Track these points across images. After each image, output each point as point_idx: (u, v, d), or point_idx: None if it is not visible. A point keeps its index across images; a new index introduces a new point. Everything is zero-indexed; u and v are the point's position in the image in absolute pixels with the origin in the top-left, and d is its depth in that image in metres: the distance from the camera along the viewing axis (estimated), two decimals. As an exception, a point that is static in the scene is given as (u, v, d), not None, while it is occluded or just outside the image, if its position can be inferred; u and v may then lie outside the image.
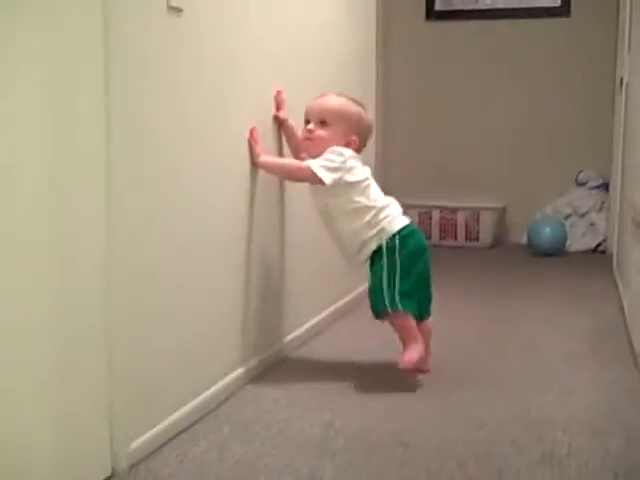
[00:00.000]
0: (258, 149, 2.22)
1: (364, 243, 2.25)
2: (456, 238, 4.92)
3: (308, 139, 2.27)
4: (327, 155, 2.21)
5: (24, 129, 1.35)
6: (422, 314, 2.31)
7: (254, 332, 2.28)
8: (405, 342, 2.24)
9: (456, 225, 4.92)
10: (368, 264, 2.31)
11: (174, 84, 1.80)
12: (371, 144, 3.44)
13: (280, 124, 2.40)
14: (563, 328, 2.93)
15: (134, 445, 1.69)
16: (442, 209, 4.93)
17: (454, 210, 4.92)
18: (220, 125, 2.03)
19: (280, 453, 1.77)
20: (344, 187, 2.21)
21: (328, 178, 2.18)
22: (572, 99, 4.90)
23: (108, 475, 1.62)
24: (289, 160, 2.38)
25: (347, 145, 2.26)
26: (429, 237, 4.92)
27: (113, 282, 1.60)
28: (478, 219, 4.89)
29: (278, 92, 2.37)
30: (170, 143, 1.80)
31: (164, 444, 1.79)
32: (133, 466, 1.67)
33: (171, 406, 1.85)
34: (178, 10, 1.79)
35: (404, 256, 2.23)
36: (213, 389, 2.03)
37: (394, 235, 2.24)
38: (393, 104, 5.06)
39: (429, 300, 2.35)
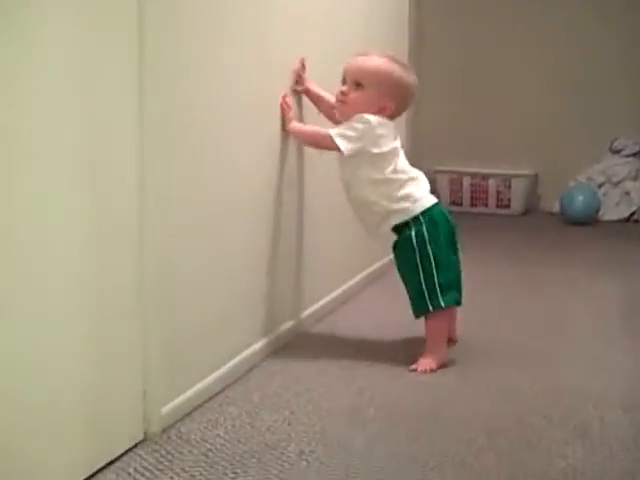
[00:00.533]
0: (290, 114, 2.17)
1: (385, 216, 2.13)
2: (487, 205, 4.87)
3: (341, 101, 2.16)
4: (351, 122, 2.10)
5: (54, 105, 1.35)
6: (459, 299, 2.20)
7: (277, 302, 2.27)
8: (431, 345, 2.13)
9: (487, 192, 4.86)
10: (392, 247, 2.19)
11: (211, 35, 1.80)
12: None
13: (304, 94, 2.30)
14: (595, 298, 2.90)
15: (166, 409, 1.70)
16: (473, 175, 4.88)
17: (485, 176, 4.86)
18: (252, 86, 2.02)
19: (310, 421, 1.77)
20: (366, 158, 2.10)
21: (346, 148, 2.08)
22: (607, 63, 4.80)
23: (141, 439, 1.64)
24: (316, 128, 2.25)
25: (381, 110, 2.12)
26: (460, 203, 4.89)
27: (145, 250, 1.60)
28: (510, 186, 4.83)
29: (297, 63, 2.26)
30: (203, 103, 1.79)
31: (195, 409, 1.80)
32: (165, 430, 1.69)
33: (201, 372, 1.86)
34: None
35: (437, 246, 2.11)
36: (241, 356, 2.03)
37: (419, 217, 2.11)
38: (425, 69, 4.96)
39: (461, 278, 2.23)
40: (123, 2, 1.50)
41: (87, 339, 1.46)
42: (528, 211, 4.88)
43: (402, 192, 2.12)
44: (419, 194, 2.14)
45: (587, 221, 4.47)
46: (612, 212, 4.65)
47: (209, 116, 1.82)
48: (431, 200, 2.15)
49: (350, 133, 2.09)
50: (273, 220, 2.19)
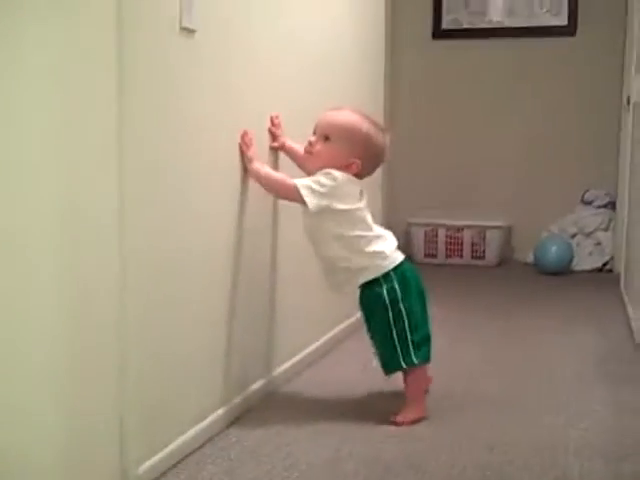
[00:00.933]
0: (250, 153, 2.06)
1: (354, 273, 2.08)
2: (462, 256, 4.91)
3: (307, 152, 2.12)
4: (318, 177, 2.04)
5: (37, 138, 1.35)
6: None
7: (250, 358, 2.26)
8: (409, 399, 2.12)
9: (462, 243, 4.91)
10: (359, 302, 2.13)
11: (184, 102, 1.80)
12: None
13: (280, 150, 2.29)
14: (572, 348, 2.91)
15: (143, 468, 1.67)
16: (448, 227, 4.92)
17: (460, 228, 4.91)
18: (220, 142, 2.03)
19: (291, 476, 1.75)
20: (332, 214, 2.04)
21: (313, 203, 2.01)
22: (578, 118, 4.90)
23: (116, 498, 1.61)
24: (279, 175, 2.15)
25: (347, 167, 2.07)
26: (435, 255, 4.92)
27: (124, 303, 1.59)
28: (484, 237, 4.88)
29: (272, 120, 2.24)
30: (175, 163, 1.79)
31: (172, 466, 1.77)
32: (141, 489, 1.66)
33: (178, 429, 1.83)
34: (190, 31, 1.79)
35: (409, 303, 2.08)
36: (218, 413, 2.01)
37: (390, 273, 2.07)
38: (399, 122, 5.06)
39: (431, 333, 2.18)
40: (103, 67, 1.51)
41: (60, 399, 1.43)
42: (503, 262, 4.92)
43: (371, 248, 2.07)
44: (388, 250, 2.10)
45: (561, 271, 4.52)
46: (585, 262, 4.70)
47: (181, 169, 1.82)
48: (400, 256, 2.12)
49: (316, 187, 2.02)
50: (245, 273, 2.14)
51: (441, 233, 4.93)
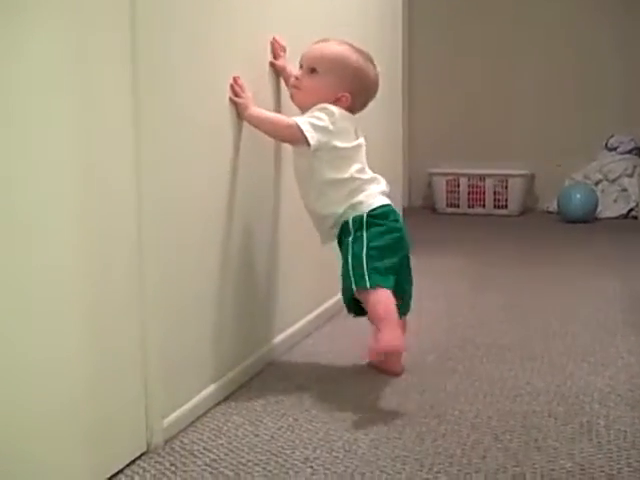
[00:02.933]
0: (242, 101, 1.92)
1: (338, 217, 1.98)
2: (484, 205, 4.87)
3: (294, 86, 2.02)
4: (316, 112, 1.94)
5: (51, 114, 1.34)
6: (401, 307, 1.94)
7: (265, 318, 2.27)
8: (379, 323, 1.85)
9: (484, 192, 4.87)
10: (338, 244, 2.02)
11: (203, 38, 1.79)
12: (397, 111, 3.41)
13: (279, 72, 2.15)
14: (596, 296, 2.89)
15: (168, 420, 1.68)
16: (470, 176, 4.88)
17: (482, 177, 4.86)
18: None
19: (314, 427, 1.76)
20: (329, 151, 1.94)
21: (313, 138, 1.91)
22: (602, 61, 4.80)
23: (143, 451, 1.62)
24: (277, 114, 2.06)
25: (337, 101, 1.97)
26: (457, 205, 4.88)
27: (144, 260, 1.59)
28: (506, 186, 4.83)
29: (275, 38, 2.13)
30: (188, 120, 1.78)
31: (198, 419, 1.79)
32: (168, 441, 1.67)
33: (203, 381, 1.84)
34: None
35: (373, 233, 1.93)
36: (242, 366, 2.02)
37: (364, 215, 1.95)
38: (418, 71, 4.99)
39: (409, 294, 2.05)
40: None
41: (85, 350, 1.44)
42: (525, 211, 4.88)
43: (357, 192, 1.97)
44: (371, 194, 1.98)
45: (585, 219, 4.47)
46: (610, 209, 4.65)
47: (200, 125, 1.81)
48: (381, 200, 1.98)
49: (317, 122, 1.92)
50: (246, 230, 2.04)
51: (463, 182, 4.89)
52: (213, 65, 1.85)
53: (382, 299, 1.88)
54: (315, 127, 1.92)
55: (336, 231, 2.00)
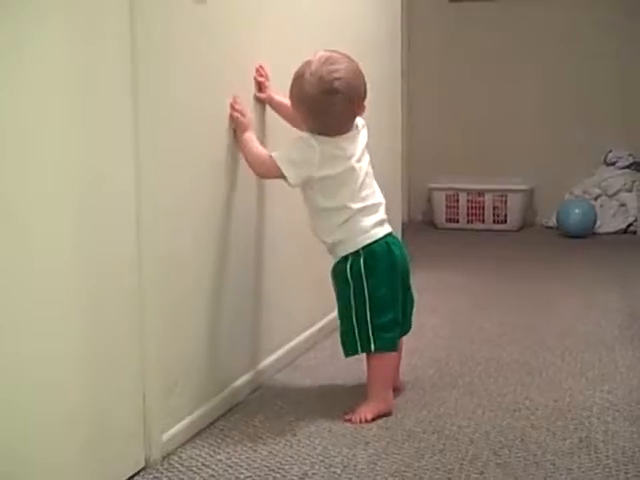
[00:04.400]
0: (245, 121, 1.89)
1: (333, 246, 1.91)
2: (483, 221, 4.87)
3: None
4: (293, 143, 1.86)
5: (54, 123, 1.35)
6: (402, 334, 1.98)
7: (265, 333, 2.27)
8: (370, 390, 1.90)
9: (484, 208, 4.86)
10: (331, 279, 1.95)
11: (198, 71, 1.79)
12: (396, 127, 3.43)
13: (267, 103, 2.07)
14: (595, 311, 2.88)
15: (167, 435, 1.69)
16: (469, 192, 4.88)
17: (481, 192, 4.86)
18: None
19: (312, 443, 1.76)
20: (318, 181, 1.85)
21: (293, 176, 1.83)
22: (601, 77, 4.82)
23: (142, 466, 1.62)
24: (259, 150, 1.92)
25: (309, 129, 1.86)
26: (457, 220, 4.88)
27: (144, 268, 1.60)
28: (506, 201, 4.83)
29: (257, 70, 2.03)
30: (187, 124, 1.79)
31: (197, 434, 1.79)
32: (166, 457, 1.67)
33: (202, 397, 1.84)
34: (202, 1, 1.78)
35: (375, 282, 1.86)
36: (241, 380, 2.02)
37: (360, 251, 1.87)
38: (418, 87, 5.01)
39: (410, 314, 2.01)
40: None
41: (85, 365, 1.44)
42: (525, 226, 4.88)
43: (349, 222, 1.87)
44: (370, 224, 1.89)
45: (584, 234, 4.47)
46: (609, 224, 4.65)
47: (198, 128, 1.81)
48: (382, 231, 1.90)
49: (295, 157, 1.84)
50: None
51: (462, 198, 4.89)
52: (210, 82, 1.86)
53: (384, 365, 1.90)
54: (292, 162, 1.83)
55: (333, 260, 1.93)
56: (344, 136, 1.88)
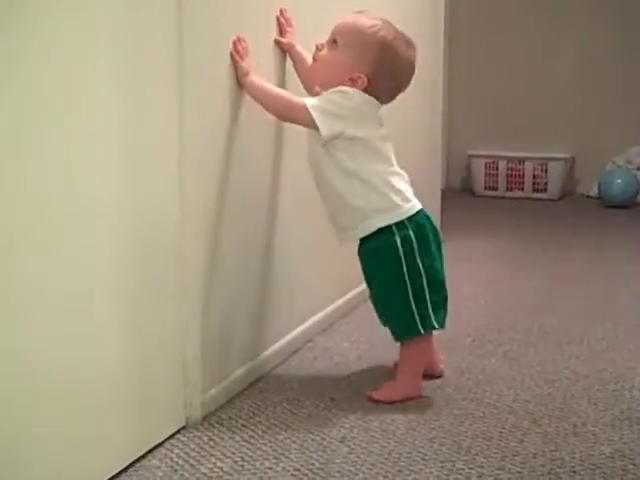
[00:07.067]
0: (245, 64, 1.70)
1: (364, 217, 1.74)
2: (523, 189, 4.82)
3: (313, 59, 1.80)
4: (331, 95, 1.70)
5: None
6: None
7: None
8: (403, 373, 1.80)
9: (523, 176, 4.81)
10: (360, 253, 1.79)
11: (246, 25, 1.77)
12: (437, 93, 3.38)
13: (286, 51, 1.92)
14: (637, 281, 2.85)
15: (207, 396, 1.70)
16: (509, 159, 4.82)
17: (521, 160, 4.81)
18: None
19: (351, 407, 1.76)
20: (348, 142, 1.71)
21: (326, 128, 1.68)
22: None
23: (182, 425, 1.64)
24: (284, 92, 1.80)
25: (352, 82, 1.72)
26: (496, 188, 4.84)
27: (186, 235, 1.60)
28: (546, 169, 4.77)
29: (281, 11, 1.89)
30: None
31: (236, 395, 1.80)
32: (206, 417, 1.69)
33: (242, 358, 1.85)
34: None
35: (427, 257, 1.74)
36: (282, 342, 2.03)
37: (405, 221, 1.73)
38: (458, 54, 4.93)
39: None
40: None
41: (127, 325, 1.46)
42: (565, 195, 4.82)
43: (390, 187, 1.74)
44: (409, 192, 1.77)
45: (626, 204, 4.40)
46: (651, 194, 4.57)
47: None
48: (418, 204, 1.78)
49: (331, 108, 1.69)
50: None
51: (502, 165, 4.84)
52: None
53: (423, 351, 1.82)
54: (328, 113, 1.69)
55: (365, 230, 1.75)
56: (383, 107, 1.80)
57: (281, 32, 1.91)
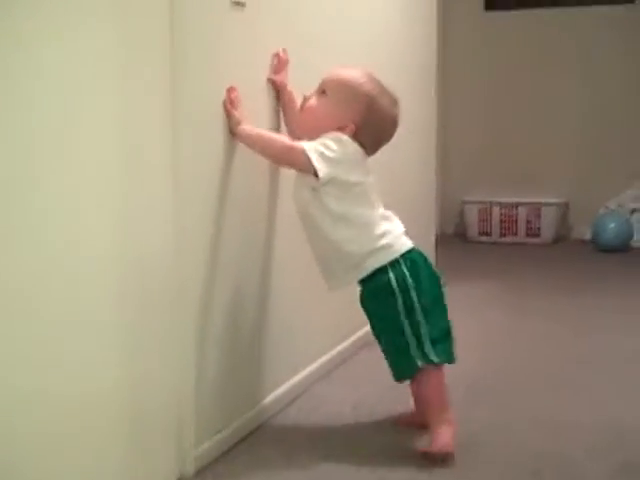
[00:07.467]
0: (237, 114, 1.72)
1: (359, 260, 1.74)
2: (517, 234, 4.83)
3: (300, 108, 1.84)
4: (326, 140, 1.73)
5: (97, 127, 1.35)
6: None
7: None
8: (435, 412, 1.74)
9: (517, 221, 4.82)
10: (360, 300, 1.81)
11: (238, 75, 1.78)
12: (431, 138, 3.40)
13: (277, 90, 1.93)
14: (633, 328, 2.83)
15: (201, 449, 1.67)
16: (502, 205, 4.84)
17: (515, 205, 4.82)
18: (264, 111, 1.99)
19: (348, 460, 1.73)
20: (337, 185, 1.73)
21: (323, 170, 1.69)
22: (636, 89, 4.76)
23: (175, 480, 1.61)
24: (279, 135, 1.85)
25: (339, 130, 1.75)
26: (489, 234, 4.84)
27: (180, 281, 1.58)
28: (540, 215, 4.78)
29: (279, 51, 1.91)
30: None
31: (232, 446, 1.77)
32: (200, 471, 1.65)
33: (240, 408, 1.83)
34: (241, 4, 1.77)
35: (422, 292, 1.74)
36: (277, 393, 2.00)
37: (399, 259, 1.75)
38: (452, 98, 4.97)
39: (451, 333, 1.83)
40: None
41: (120, 379, 1.43)
42: (559, 239, 4.82)
43: (380, 229, 1.75)
44: (397, 232, 1.79)
45: (620, 248, 4.41)
46: (645, 238, 4.58)
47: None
48: (409, 242, 1.79)
49: (327, 152, 1.71)
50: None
51: (495, 211, 4.85)
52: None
53: (440, 380, 1.76)
54: (324, 156, 1.71)
55: (361, 272, 1.76)
56: (368, 158, 1.83)
57: (276, 69, 1.93)
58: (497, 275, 3.76)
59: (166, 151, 1.55)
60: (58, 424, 1.28)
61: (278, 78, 1.92)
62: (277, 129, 1.95)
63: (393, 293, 1.73)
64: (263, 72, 1.90)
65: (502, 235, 4.85)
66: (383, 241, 1.75)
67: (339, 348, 2.40)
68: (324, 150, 1.71)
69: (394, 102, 1.83)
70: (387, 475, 1.65)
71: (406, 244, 1.78)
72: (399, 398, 1.98)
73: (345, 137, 1.75)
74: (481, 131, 5.06)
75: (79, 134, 1.32)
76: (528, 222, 4.81)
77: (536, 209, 4.78)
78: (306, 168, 1.72)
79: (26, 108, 1.20)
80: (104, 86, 1.37)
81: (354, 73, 1.81)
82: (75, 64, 1.30)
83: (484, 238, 4.85)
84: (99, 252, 1.38)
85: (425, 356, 1.73)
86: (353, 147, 1.76)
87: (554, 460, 1.73)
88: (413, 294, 1.73)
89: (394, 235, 1.77)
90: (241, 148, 1.78)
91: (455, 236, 5.02)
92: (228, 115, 1.73)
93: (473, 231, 4.89)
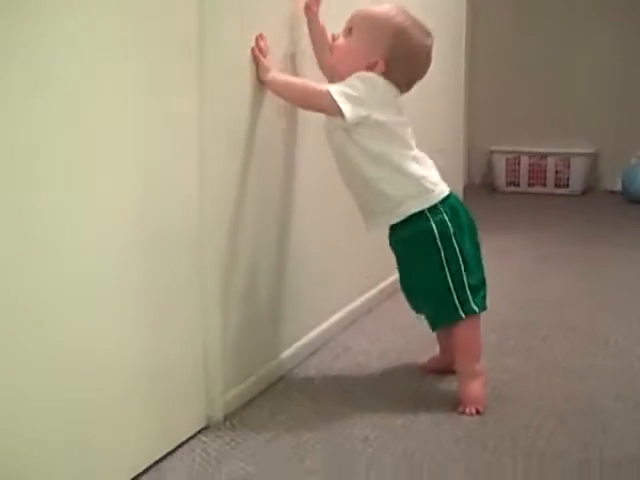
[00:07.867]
0: (266, 62, 1.70)
1: (398, 202, 1.71)
2: (545, 185, 4.77)
3: (329, 48, 1.80)
4: (353, 80, 1.69)
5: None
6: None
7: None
8: (467, 363, 1.73)
9: (546, 171, 4.76)
10: (393, 243, 1.78)
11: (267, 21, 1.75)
12: (459, 87, 3.35)
13: (309, 18, 1.85)
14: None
15: (228, 396, 1.69)
16: (531, 154, 4.77)
17: (544, 155, 4.75)
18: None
19: (374, 406, 1.74)
20: (370, 126, 1.69)
21: (350, 111, 1.66)
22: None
23: (204, 426, 1.63)
24: (306, 81, 1.80)
25: (369, 68, 1.71)
26: (517, 184, 4.79)
27: (205, 241, 1.59)
28: (569, 165, 4.72)
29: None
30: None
31: (259, 394, 1.78)
32: (228, 417, 1.67)
33: (263, 357, 1.84)
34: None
35: (462, 240, 1.71)
36: (304, 340, 2.01)
37: (439, 205, 1.71)
38: (480, 46, 4.88)
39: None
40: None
41: (149, 327, 1.45)
42: (588, 190, 4.76)
43: (418, 171, 1.72)
44: (436, 176, 1.75)
45: (651, 199, 4.34)
46: (676, 189, 4.50)
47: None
48: (447, 187, 1.76)
49: (353, 93, 1.67)
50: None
51: (524, 161, 4.78)
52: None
53: (478, 329, 1.75)
54: (350, 98, 1.67)
55: (399, 214, 1.72)
56: (401, 95, 1.78)
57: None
58: (525, 226, 3.73)
59: (194, 100, 1.54)
60: (87, 370, 1.30)
61: (315, 7, 1.85)
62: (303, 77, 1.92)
63: (434, 241, 1.70)
64: (292, 20, 1.86)
65: (530, 185, 4.79)
66: (422, 185, 1.71)
67: (362, 298, 2.40)
68: (350, 91, 1.67)
69: (427, 33, 1.77)
70: (413, 419, 1.67)
71: (445, 190, 1.75)
72: (425, 347, 1.98)
73: (373, 75, 1.71)
74: (509, 80, 4.96)
75: (104, 87, 1.31)
76: (557, 172, 4.74)
77: (565, 159, 4.71)
78: (333, 110, 1.68)
79: (47, 75, 1.20)
80: (129, 33, 1.36)
81: (382, 7, 1.76)
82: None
83: (512, 188, 4.80)
84: (124, 205, 1.38)
85: (466, 305, 1.71)
86: (383, 85, 1.71)
87: (582, 407, 1.72)
88: (454, 242, 1.71)
89: (433, 179, 1.74)
90: (267, 99, 1.76)
91: (482, 186, 4.97)
92: (257, 63, 1.70)
93: (501, 181, 4.84)
